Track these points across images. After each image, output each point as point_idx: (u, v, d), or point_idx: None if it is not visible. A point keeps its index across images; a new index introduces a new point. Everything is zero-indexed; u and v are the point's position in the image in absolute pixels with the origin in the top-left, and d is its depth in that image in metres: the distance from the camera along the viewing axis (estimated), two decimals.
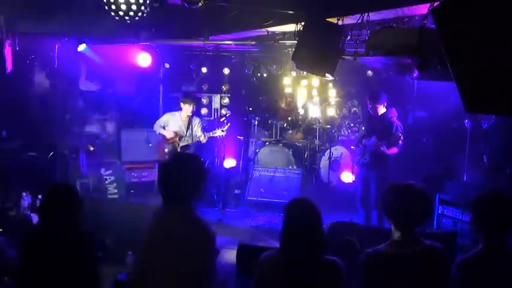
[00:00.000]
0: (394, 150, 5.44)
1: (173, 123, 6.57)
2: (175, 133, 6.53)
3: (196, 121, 6.60)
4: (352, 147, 7.24)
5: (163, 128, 6.58)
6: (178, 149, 6.49)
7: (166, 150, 6.53)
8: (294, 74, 7.78)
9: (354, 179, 6.89)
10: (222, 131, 6.52)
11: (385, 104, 5.68)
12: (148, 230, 2.36)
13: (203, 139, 6.49)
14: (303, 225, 2.26)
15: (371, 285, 2.31)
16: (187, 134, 6.49)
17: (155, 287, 2.28)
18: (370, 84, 7.59)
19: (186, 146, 6.49)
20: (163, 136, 6.57)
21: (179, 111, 6.61)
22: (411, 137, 6.21)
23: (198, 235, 2.29)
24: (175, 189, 2.32)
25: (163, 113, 7.59)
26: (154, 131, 6.71)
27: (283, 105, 8.51)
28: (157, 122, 6.65)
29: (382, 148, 5.38)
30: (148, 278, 2.29)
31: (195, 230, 2.30)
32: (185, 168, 2.37)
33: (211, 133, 6.52)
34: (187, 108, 6.48)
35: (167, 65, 7.92)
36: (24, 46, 6.08)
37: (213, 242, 2.31)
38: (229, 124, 6.72)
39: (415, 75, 3.85)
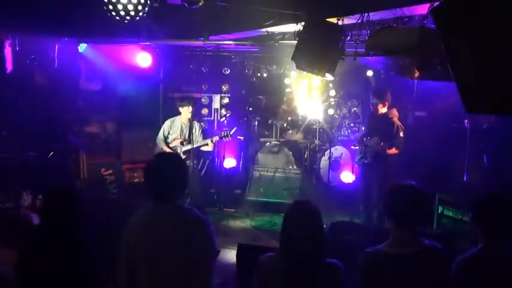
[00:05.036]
0: (394, 150, 5.44)
1: (175, 130, 6.44)
2: (181, 142, 6.42)
3: (196, 125, 6.44)
4: (352, 146, 7.24)
5: (166, 139, 6.42)
6: (180, 154, 6.35)
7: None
8: (294, 74, 7.78)
9: (354, 179, 6.90)
10: (229, 135, 6.34)
11: (387, 105, 5.68)
12: (137, 230, 2.34)
13: (210, 147, 6.37)
14: (304, 228, 2.26)
15: (370, 285, 2.31)
16: (190, 139, 6.35)
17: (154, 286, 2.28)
18: (370, 84, 7.59)
19: (188, 151, 6.33)
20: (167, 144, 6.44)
21: (179, 116, 6.46)
22: (411, 137, 6.20)
23: (193, 225, 2.32)
24: (165, 187, 2.35)
25: (164, 113, 7.58)
26: (154, 130, 6.66)
27: (283, 105, 8.51)
28: (158, 135, 6.48)
29: (385, 150, 5.38)
30: (142, 278, 2.29)
31: (190, 221, 2.33)
32: (171, 166, 2.41)
33: (216, 137, 6.37)
34: (186, 111, 6.33)
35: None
36: (24, 46, 6.09)
37: (209, 229, 2.35)
38: (235, 128, 6.62)
39: (415, 75, 3.85)
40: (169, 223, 2.31)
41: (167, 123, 6.51)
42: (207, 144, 6.40)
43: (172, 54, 7.98)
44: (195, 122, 6.47)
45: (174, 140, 6.41)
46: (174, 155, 2.65)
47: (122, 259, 2.35)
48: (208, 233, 2.33)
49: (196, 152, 6.48)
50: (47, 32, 5.88)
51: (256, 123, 8.09)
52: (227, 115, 7.58)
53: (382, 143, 5.39)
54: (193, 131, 6.36)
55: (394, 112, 5.67)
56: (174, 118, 6.50)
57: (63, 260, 2.49)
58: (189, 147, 6.34)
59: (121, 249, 2.36)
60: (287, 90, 8.38)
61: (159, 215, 2.35)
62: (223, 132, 6.44)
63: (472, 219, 2.40)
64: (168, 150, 6.35)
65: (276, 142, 7.87)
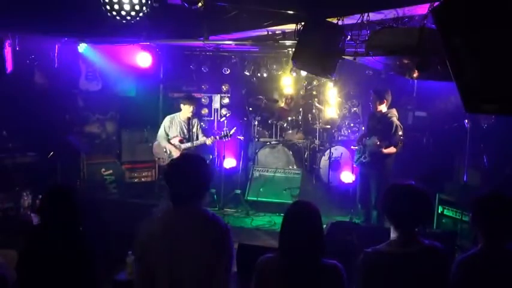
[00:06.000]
0: (391, 149, 5.44)
1: (174, 127, 6.49)
2: (180, 140, 6.46)
3: (194, 122, 6.52)
4: (352, 147, 7.24)
5: (167, 135, 6.48)
6: (180, 151, 6.44)
7: (165, 152, 6.50)
8: (294, 74, 7.78)
9: (354, 179, 6.90)
10: (228, 135, 6.41)
11: (387, 104, 5.67)
12: (155, 232, 2.32)
13: (209, 142, 6.43)
14: (303, 228, 2.26)
15: (370, 285, 2.31)
16: (188, 136, 6.44)
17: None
18: (370, 84, 7.58)
19: (187, 148, 6.40)
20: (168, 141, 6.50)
21: (178, 113, 6.53)
22: (411, 137, 6.20)
23: (212, 230, 2.29)
24: (184, 188, 2.33)
25: (164, 113, 7.57)
26: (154, 130, 6.69)
27: (283, 105, 8.51)
28: (159, 132, 6.53)
29: (382, 147, 5.38)
30: (159, 279, 2.27)
31: (208, 225, 2.31)
32: (193, 168, 2.38)
33: (216, 137, 6.45)
34: (186, 109, 6.39)
35: None
36: (24, 46, 6.09)
37: (228, 235, 2.32)
38: (235, 128, 6.67)
39: (415, 75, 3.85)
40: (185, 224, 2.30)
41: (167, 120, 6.56)
42: (206, 143, 6.45)
43: (172, 54, 7.99)
44: (194, 119, 6.54)
45: (173, 138, 6.45)
46: (199, 156, 2.61)
47: (137, 260, 2.34)
48: (224, 239, 2.30)
49: (196, 152, 6.49)
50: (47, 32, 5.87)
51: (256, 123, 8.09)
52: (227, 115, 7.59)
53: (379, 142, 5.40)
54: (192, 127, 6.44)
55: (394, 112, 5.66)
56: (173, 115, 6.57)
57: (63, 260, 2.49)
58: (188, 145, 6.39)
59: (136, 250, 2.35)
60: (287, 90, 8.38)
61: (177, 216, 2.34)
62: (222, 132, 6.48)
63: (472, 219, 2.40)
64: (169, 147, 6.43)
65: (276, 142, 7.86)
